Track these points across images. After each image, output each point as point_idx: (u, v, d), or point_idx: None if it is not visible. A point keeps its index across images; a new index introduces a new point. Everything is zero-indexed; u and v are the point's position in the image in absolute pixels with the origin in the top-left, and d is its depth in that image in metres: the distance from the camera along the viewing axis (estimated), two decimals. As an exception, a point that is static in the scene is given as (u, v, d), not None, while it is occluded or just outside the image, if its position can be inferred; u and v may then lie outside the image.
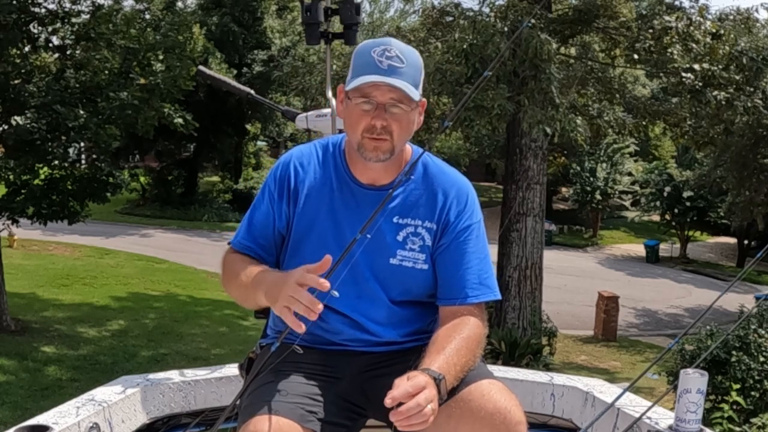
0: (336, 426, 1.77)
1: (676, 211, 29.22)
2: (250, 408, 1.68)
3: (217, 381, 2.43)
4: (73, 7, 11.73)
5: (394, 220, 1.82)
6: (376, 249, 1.79)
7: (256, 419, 1.63)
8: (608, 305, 16.84)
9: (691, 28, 11.94)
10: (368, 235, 1.56)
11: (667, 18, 12.09)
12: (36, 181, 11.95)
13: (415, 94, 1.72)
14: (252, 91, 3.06)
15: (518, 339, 13.10)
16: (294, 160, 1.90)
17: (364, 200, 1.82)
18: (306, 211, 1.86)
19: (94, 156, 12.97)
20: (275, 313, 2.02)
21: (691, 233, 30.62)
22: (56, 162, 11.77)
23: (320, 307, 1.56)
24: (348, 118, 1.78)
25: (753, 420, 7.42)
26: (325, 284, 1.56)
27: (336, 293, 1.59)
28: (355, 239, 1.54)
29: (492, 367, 2.10)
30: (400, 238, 1.82)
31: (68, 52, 12.02)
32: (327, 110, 3.00)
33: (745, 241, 28.68)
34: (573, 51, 14.77)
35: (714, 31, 12.04)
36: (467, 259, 1.83)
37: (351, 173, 1.85)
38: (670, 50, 11.92)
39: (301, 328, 1.56)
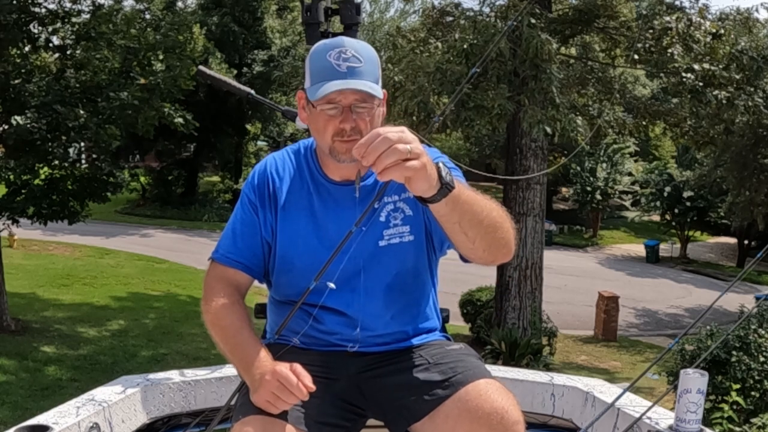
0: (334, 427, 1.76)
1: (676, 211, 29.22)
2: (243, 408, 1.67)
3: (217, 381, 2.43)
4: (74, 6, 11.74)
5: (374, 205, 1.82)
6: (363, 237, 1.79)
7: (249, 419, 1.63)
8: (608, 305, 16.84)
9: (691, 28, 11.94)
10: (363, 228, 1.55)
11: (667, 18, 12.09)
12: (36, 181, 11.96)
13: (378, 91, 1.71)
14: (252, 91, 3.05)
15: (518, 339, 13.10)
16: (269, 168, 1.91)
17: (341, 197, 1.83)
18: (288, 218, 1.86)
19: (95, 156, 12.98)
20: (271, 317, 2.03)
21: (691, 233, 30.62)
22: (56, 162, 11.79)
23: (305, 392, 1.58)
24: (314, 124, 1.78)
25: (753, 420, 7.41)
26: (305, 395, 1.58)
27: (333, 285, 1.58)
28: (351, 232, 1.50)
29: (492, 367, 2.10)
30: (382, 218, 1.82)
31: (68, 52, 12.03)
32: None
33: (745, 241, 28.67)
34: (573, 51, 14.77)
35: (714, 31, 12.04)
36: None
37: (324, 173, 1.86)
38: (670, 50, 11.92)
39: (277, 410, 1.61)
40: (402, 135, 1.40)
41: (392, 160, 1.38)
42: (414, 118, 11.25)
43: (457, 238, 1.64)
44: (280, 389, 1.58)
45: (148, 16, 13.26)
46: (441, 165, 1.50)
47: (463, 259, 1.76)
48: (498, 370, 2.56)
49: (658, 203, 29.59)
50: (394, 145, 1.38)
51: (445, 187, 1.48)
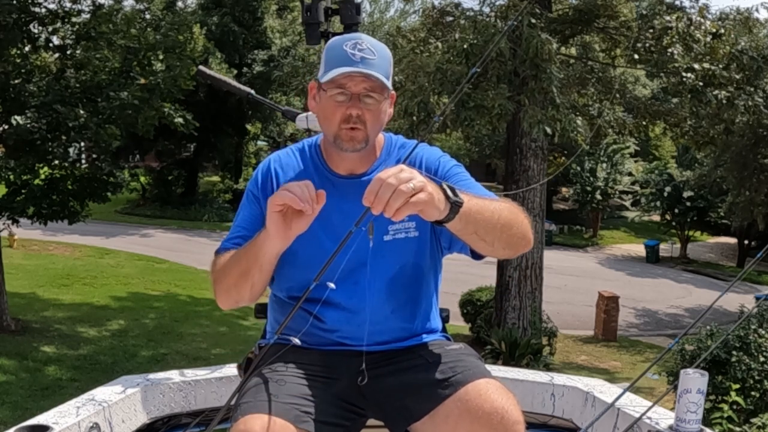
0: (334, 426, 1.76)
1: (676, 211, 29.23)
2: (243, 407, 1.67)
3: (217, 381, 2.44)
4: (74, 6, 11.74)
5: None
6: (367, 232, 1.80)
7: (248, 418, 1.62)
8: (608, 305, 16.84)
9: (692, 27, 11.95)
10: (363, 228, 1.56)
11: (667, 18, 12.10)
12: (36, 181, 11.96)
13: (388, 83, 1.77)
14: (252, 91, 3.05)
15: (518, 339, 13.10)
16: (273, 164, 1.94)
17: (346, 190, 1.84)
18: None
19: (95, 156, 12.99)
20: (272, 315, 2.03)
21: (691, 233, 30.62)
22: (56, 162, 11.79)
23: (316, 194, 1.60)
24: (323, 111, 1.82)
25: (753, 420, 7.40)
26: (317, 205, 1.60)
27: (333, 285, 1.57)
28: (351, 232, 1.50)
29: (492, 367, 2.10)
30: None
31: (68, 52, 12.02)
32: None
33: (746, 241, 28.67)
34: (573, 51, 14.77)
35: (714, 30, 12.05)
36: (469, 187, 1.80)
37: (329, 166, 1.89)
38: (670, 50, 11.92)
39: (299, 204, 1.59)
40: (400, 175, 1.48)
41: (400, 202, 1.47)
42: (414, 118, 11.25)
43: (477, 245, 1.72)
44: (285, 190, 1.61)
45: (148, 16, 13.25)
46: (445, 186, 1.56)
47: (475, 256, 1.79)
48: (498, 370, 2.57)
49: (658, 203, 29.60)
50: (397, 188, 1.46)
51: (455, 205, 1.55)
